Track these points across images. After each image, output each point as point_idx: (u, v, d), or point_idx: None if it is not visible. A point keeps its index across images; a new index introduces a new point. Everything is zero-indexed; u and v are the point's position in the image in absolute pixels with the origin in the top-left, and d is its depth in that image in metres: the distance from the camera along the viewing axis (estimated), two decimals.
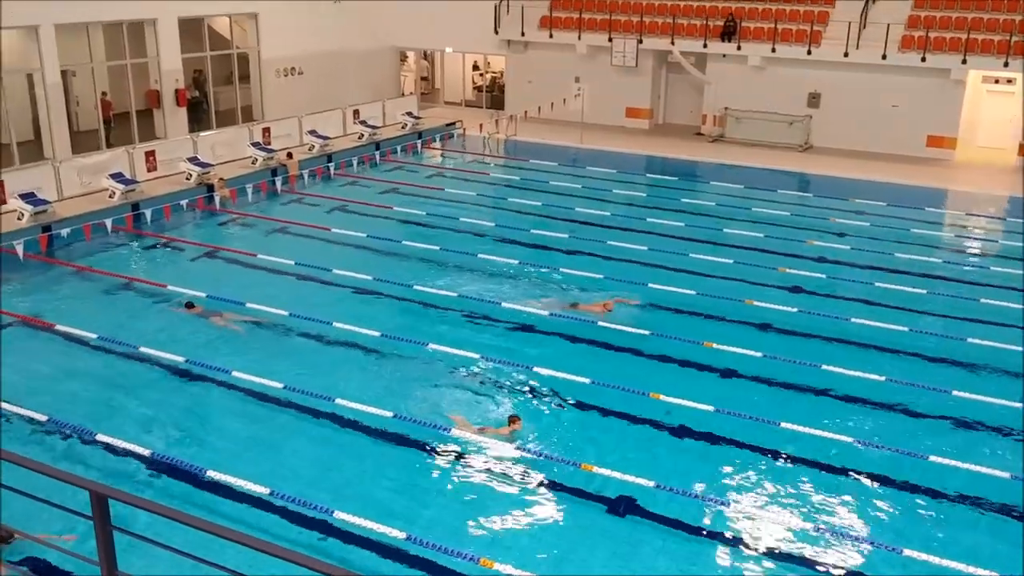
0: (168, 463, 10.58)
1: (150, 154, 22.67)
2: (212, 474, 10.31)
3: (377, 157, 26.89)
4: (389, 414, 11.77)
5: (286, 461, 10.85)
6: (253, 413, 11.99)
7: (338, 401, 12.06)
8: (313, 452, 11.12)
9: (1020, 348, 14.06)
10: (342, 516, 9.57)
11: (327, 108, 28.32)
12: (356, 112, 28.71)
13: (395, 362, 13.49)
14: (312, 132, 26.52)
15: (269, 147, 25.01)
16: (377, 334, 14.22)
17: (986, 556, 9.24)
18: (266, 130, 25.75)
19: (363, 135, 27.91)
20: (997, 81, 27.95)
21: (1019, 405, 12.24)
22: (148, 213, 19.86)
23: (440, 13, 33.43)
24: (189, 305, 15.13)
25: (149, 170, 22.40)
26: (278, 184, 23.34)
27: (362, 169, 25.70)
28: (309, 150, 26.01)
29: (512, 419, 11.37)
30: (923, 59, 27.31)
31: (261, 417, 11.90)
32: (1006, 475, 10.62)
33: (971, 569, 8.98)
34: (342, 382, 12.70)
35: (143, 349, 13.54)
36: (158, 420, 11.70)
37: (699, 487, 10.37)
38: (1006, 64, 26.50)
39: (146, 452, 10.77)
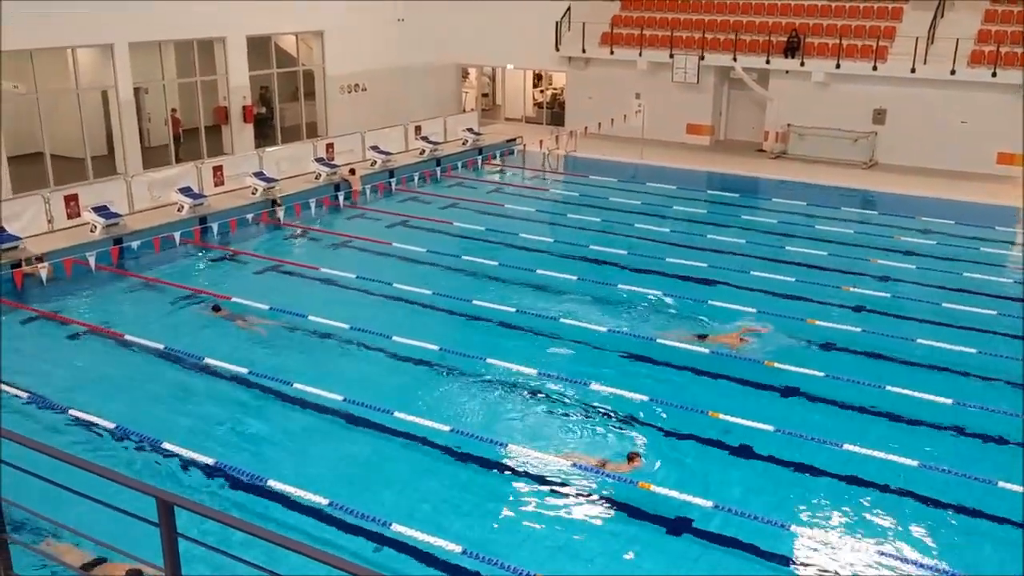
0: (229, 472, 10.77)
1: (217, 169, 23.17)
2: (273, 484, 10.46)
3: (438, 173, 27.13)
4: (446, 428, 11.84)
5: (345, 472, 10.98)
6: (313, 425, 12.15)
7: (396, 414, 12.15)
8: (370, 464, 11.22)
9: None
10: (399, 528, 9.63)
11: (389, 124, 28.68)
12: (418, 128, 29.01)
13: (453, 376, 13.56)
14: (374, 148, 26.86)
15: (332, 162, 25.39)
16: (436, 348, 14.32)
17: None
18: (329, 146, 26.15)
19: (424, 151, 28.17)
20: None
21: None
22: (215, 227, 20.29)
23: (501, 30, 33.66)
24: (216, 308, 15.63)
25: (216, 184, 22.90)
26: (341, 199, 23.68)
27: (423, 184, 25.95)
28: (371, 165, 26.34)
29: (632, 456, 11.01)
30: (993, 74, 26.72)
31: (320, 428, 12.06)
32: None
33: None
34: (400, 395, 12.81)
35: (208, 360, 13.81)
36: (220, 430, 11.93)
37: (765, 511, 10.22)
38: None
39: (209, 461, 10.97)
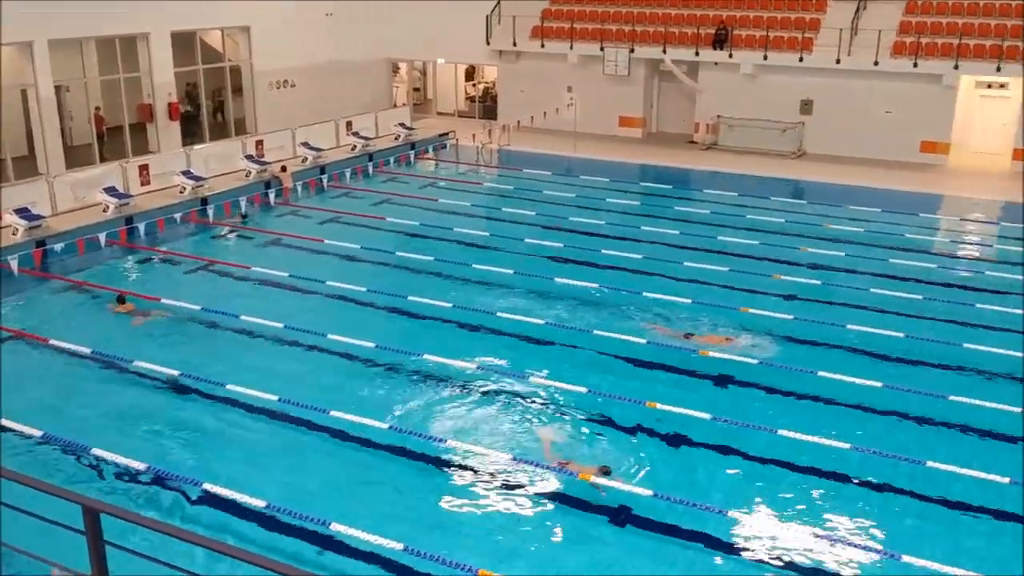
0: (163, 476, 10.51)
1: (143, 168, 22.63)
2: (208, 487, 10.24)
3: (370, 168, 26.88)
4: (384, 426, 11.72)
5: (282, 473, 10.80)
6: (248, 426, 11.93)
7: (333, 413, 11.99)
8: (308, 464, 11.07)
9: (1017, 353, 14.06)
10: (339, 528, 9.50)
11: (320, 120, 28.33)
12: (349, 124, 28.72)
13: (390, 373, 13.44)
14: (305, 144, 26.52)
15: (262, 160, 24.98)
16: (372, 345, 14.18)
17: (985, 561, 9.20)
18: (259, 143, 25.73)
19: (356, 147, 27.92)
20: (990, 86, 28.04)
21: (1018, 410, 12.21)
22: (142, 227, 19.81)
23: (432, 24, 33.50)
24: (120, 300, 15.60)
25: (143, 184, 22.36)
26: (271, 197, 23.31)
27: (355, 180, 25.69)
28: (302, 162, 26.00)
29: (604, 469, 10.67)
30: (915, 65, 27.39)
31: (257, 430, 11.84)
32: (1005, 480, 10.59)
33: (970, 574, 8.93)
34: (337, 393, 12.65)
35: (137, 363, 13.47)
36: (152, 434, 11.64)
37: (698, 495, 10.31)
38: (999, 69, 26.60)
39: (142, 466, 10.69)
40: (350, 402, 12.38)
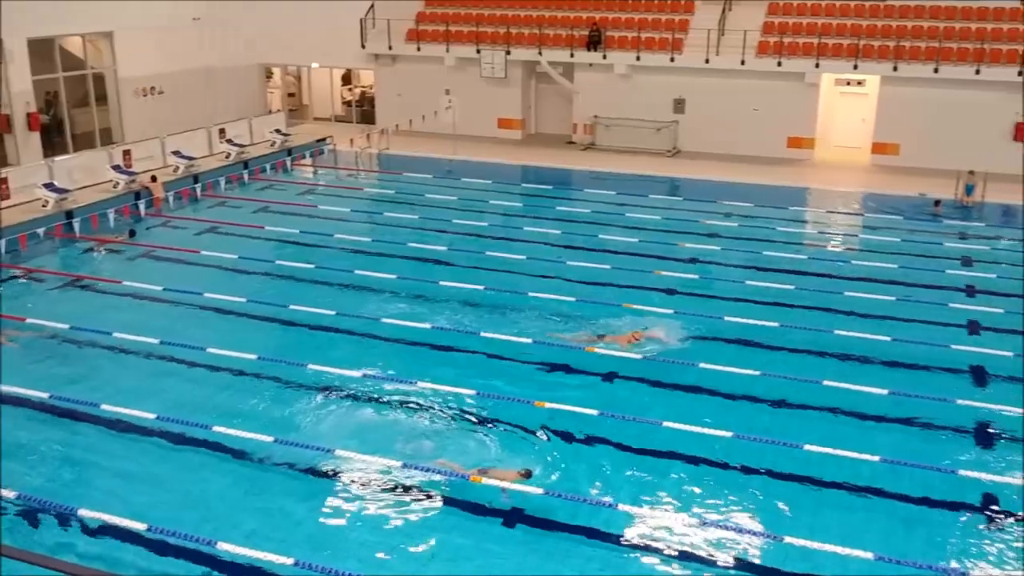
0: (36, 504, 9.99)
1: (2, 181, 21.49)
2: (84, 513, 9.78)
3: (246, 176, 26.22)
4: (269, 439, 11.43)
5: (164, 494, 10.40)
6: (126, 446, 11.44)
7: (216, 429, 11.64)
8: (191, 483, 10.69)
9: (885, 338, 14.75)
10: (226, 547, 9.23)
11: (191, 128, 27.47)
12: (222, 131, 27.95)
13: (273, 385, 13.12)
14: (176, 153, 25.68)
15: (131, 170, 24.07)
16: (254, 357, 13.82)
17: (862, 537, 9.60)
18: (127, 152, 24.76)
19: (230, 154, 27.20)
20: (849, 83, 29.36)
21: (885, 392, 12.80)
22: (3, 243, 18.81)
23: (305, 28, 32.93)
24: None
25: (2, 198, 21.22)
26: (142, 208, 22.48)
27: (231, 189, 25.03)
28: (174, 171, 25.17)
29: (525, 472, 10.56)
30: (779, 64, 28.43)
31: (135, 451, 11.37)
32: (875, 458, 11.07)
33: (848, 551, 9.31)
34: (219, 408, 12.29)
35: (3, 388, 12.75)
36: (22, 461, 11.04)
37: (588, 491, 10.43)
38: (856, 67, 27.87)
39: (11, 494, 10.13)
40: (233, 416, 12.05)
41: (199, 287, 16.93)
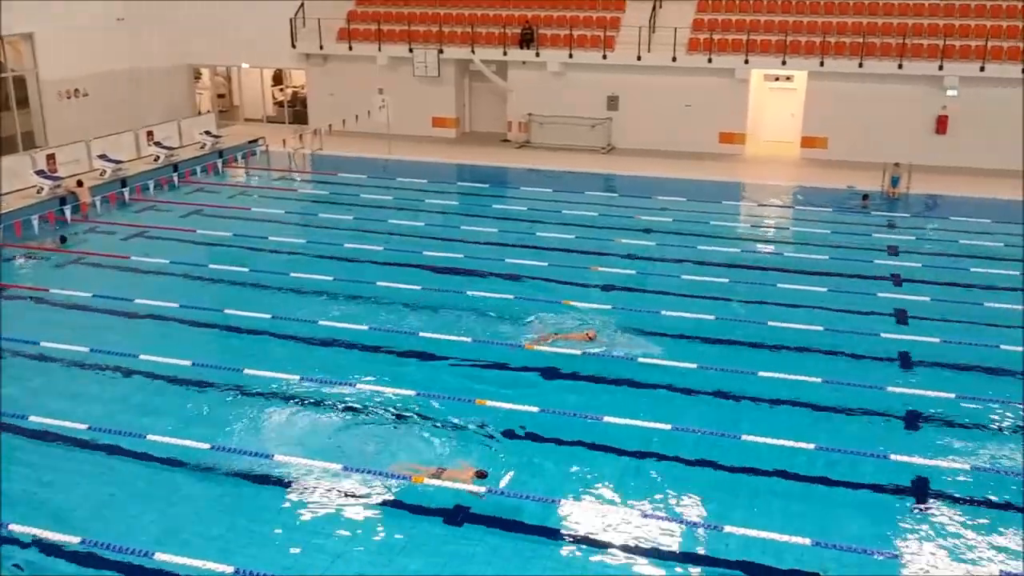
0: None
1: None
2: (15, 528, 9.51)
3: (176, 179, 25.72)
4: (206, 445, 11.23)
5: (98, 505, 10.15)
6: (57, 457, 11.13)
7: (150, 437, 11.40)
8: (126, 492, 10.43)
9: (817, 327, 15.05)
10: (164, 558, 9.05)
11: (118, 131, 26.84)
12: (150, 133, 27.37)
13: (209, 391, 12.89)
14: (103, 156, 25.07)
15: (56, 175, 23.44)
16: (188, 363, 13.56)
17: (800, 524, 9.77)
18: (51, 157, 24.10)
19: (159, 157, 26.66)
20: (778, 79, 29.90)
21: (819, 380, 13.06)
22: None
23: (234, 28, 32.42)
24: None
25: None
26: (68, 213, 21.89)
27: (160, 192, 24.53)
28: (100, 175, 24.57)
29: (480, 473, 10.52)
30: (709, 60, 28.81)
31: (67, 462, 11.07)
32: (811, 446, 11.28)
33: (786, 537, 9.47)
34: (153, 416, 12.04)
35: None
36: None
37: (531, 488, 10.44)
38: (784, 63, 28.37)
39: None
40: (168, 424, 11.81)
41: (129, 293, 16.55)
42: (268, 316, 15.49)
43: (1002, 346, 14.43)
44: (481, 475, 10.46)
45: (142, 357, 13.74)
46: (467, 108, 33.13)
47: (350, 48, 32.10)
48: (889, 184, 24.67)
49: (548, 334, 14.78)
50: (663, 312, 15.83)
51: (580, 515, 10.04)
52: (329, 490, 10.40)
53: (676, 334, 14.94)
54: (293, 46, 32.61)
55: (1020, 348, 14.29)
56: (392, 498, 10.25)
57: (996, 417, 12.20)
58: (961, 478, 10.77)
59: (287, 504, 10.21)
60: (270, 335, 14.92)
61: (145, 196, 23.97)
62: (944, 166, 26.81)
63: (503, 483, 10.50)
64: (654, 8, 30.27)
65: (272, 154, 29.48)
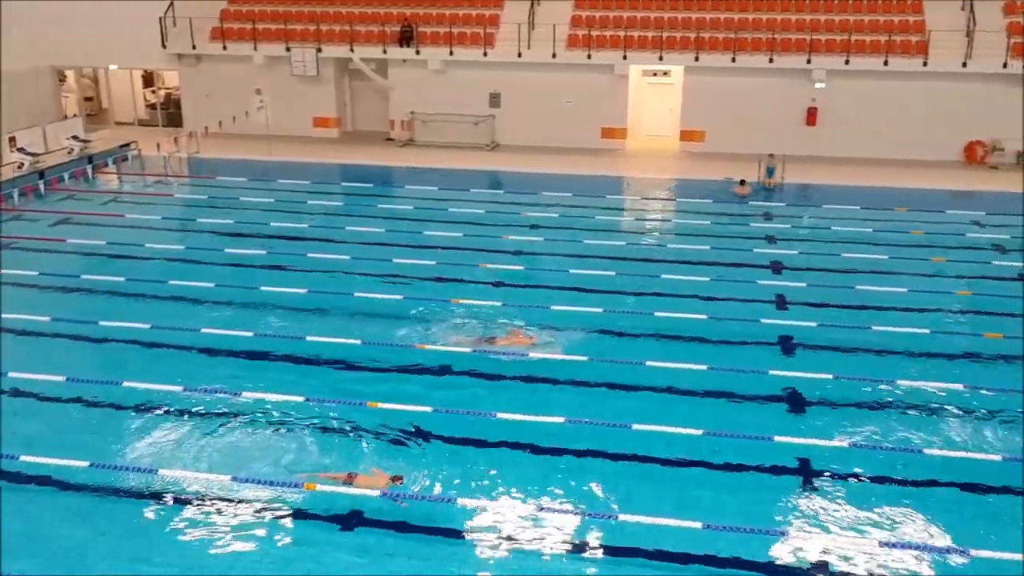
0: None
1: None
2: None
3: (42, 187, 24.54)
4: (85, 463, 10.73)
5: None
6: None
7: (24, 458, 10.82)
8: (6, 521, 9.90)
9: (702, 316, 15.42)
10: None
11: None
12: (12, 140, 25.98)
13: (86, 408, 12.32)
14: None
15: None
16: (62, 379, 12.94)
17: (691, 508, 9.98)
18: None
19: (23, 164, 25.36)
20: (656, 74, 30.53)
21: (704, 367, 13.37)
22: None
23: (100, 28, 31.18)
24: None
25: None
26: None
27: (25, 201, 23.38)
28: None
29: (395, 478, 10.39)
30: (589, 56, 29.21)
31: None
32: (698, 432, 11.53)
33: (678, 522, 9.65)
34: (26, 438, 11.41)
35: None
36: None
37: (426, 490, 10.35)
38: (661, 58, 28.98)
39: None
40: (45, 445, 11.21)
41: None
42: (147, 326, 14.91)
43: (874, 327, 15.07)
44: (397, 479, 10.36)
45: (11, 375, 13.03)
46: (348, 107, 32.74)
47: (224, 48, 31.29)
48: (765, 174, 25.49)
49: (484, 338, 14.52)
50: (552, 307, 15.94)
51: (475, 513, 9.99)
52: (218, 502, 10.07)
53: (565, 327, 15.06)
54: (163, 46, 31.56)
55: (893, 328, 14.96)
56: (285, 508, 10.00)
57: (873, 395, 12.73)
58: (843, 456, 11.18)
59: (181, 520, 9.83)
60: (149, 345, 14.36)
61: (9, 205, 22.79)
62: (815, 156, 27.91)
63: (413, 485, 10.38)
64: (532, 5, 30.49)
65: (146, 159, 28.46)
